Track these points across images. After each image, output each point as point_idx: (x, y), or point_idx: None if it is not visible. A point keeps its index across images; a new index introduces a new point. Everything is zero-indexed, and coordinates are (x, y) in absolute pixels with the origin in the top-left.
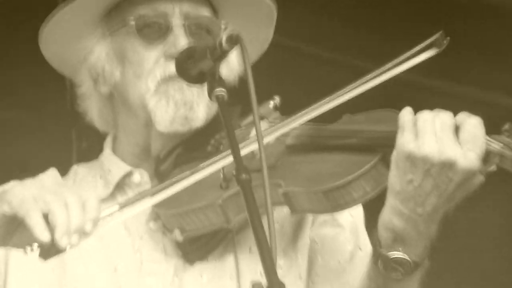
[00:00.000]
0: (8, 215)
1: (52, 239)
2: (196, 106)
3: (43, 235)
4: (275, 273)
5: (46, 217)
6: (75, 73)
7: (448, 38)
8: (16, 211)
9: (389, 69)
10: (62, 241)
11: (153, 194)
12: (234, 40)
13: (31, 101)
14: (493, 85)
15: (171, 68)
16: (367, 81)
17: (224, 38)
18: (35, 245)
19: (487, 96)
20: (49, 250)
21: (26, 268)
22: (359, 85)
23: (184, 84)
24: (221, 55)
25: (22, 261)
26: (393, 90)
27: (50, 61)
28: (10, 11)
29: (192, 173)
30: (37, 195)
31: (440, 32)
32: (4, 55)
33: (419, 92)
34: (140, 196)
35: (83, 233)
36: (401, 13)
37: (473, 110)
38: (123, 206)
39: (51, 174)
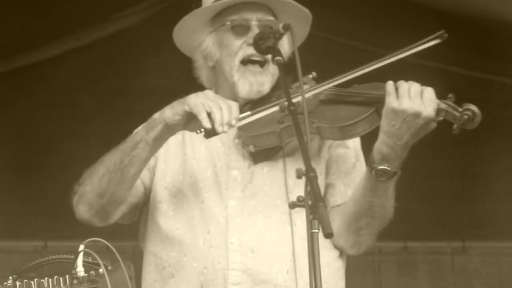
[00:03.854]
0: (187, 110)
1: (213, 127)
2: (266, 84)
3: (208, 124)
4: (310, 163)
5: (209, 114)
6: (192, 53)
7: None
8: (191, 109)
9: (401, 53)
10: (218, 128)
11: (254, 113)
12: (287, 27)
13: None
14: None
15: (249, 51)
16: (376, 63)
17: (281, 25)
18: (202, 130)
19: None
20: (210, 133)
21: (167, 153)
22: (368, 66)
23: (257, 68)
24: (279, 36)
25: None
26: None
27: (178, 45)
28: None
29: (267, 108)
30: (204, 101)
31: (443, 30)
32: None
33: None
34: (255, 112)
35: (230, 125)
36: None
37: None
38: (252, 113)
39: (210, 91)
